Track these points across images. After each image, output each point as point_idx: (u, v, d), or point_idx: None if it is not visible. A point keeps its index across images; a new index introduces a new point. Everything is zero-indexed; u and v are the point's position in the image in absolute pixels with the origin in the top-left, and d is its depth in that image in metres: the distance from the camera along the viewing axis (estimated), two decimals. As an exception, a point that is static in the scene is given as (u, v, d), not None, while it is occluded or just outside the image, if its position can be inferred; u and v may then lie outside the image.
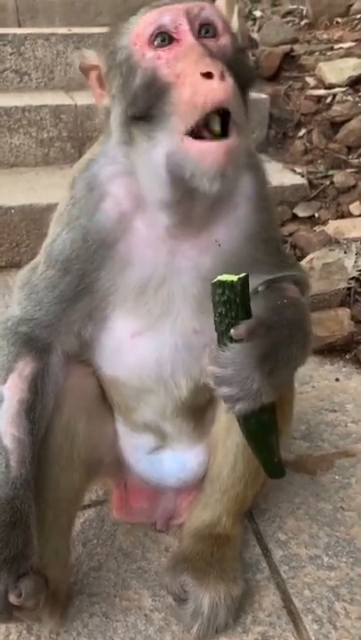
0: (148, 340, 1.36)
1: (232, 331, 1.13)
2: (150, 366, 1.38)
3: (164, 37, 1.10)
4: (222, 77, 1.03)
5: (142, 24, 1.12)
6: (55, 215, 1.37)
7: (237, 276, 1.13)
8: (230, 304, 1.14)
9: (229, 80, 1.04)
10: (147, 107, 1.10)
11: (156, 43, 1.10)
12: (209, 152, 1.06)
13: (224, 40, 1.15)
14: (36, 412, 1.34)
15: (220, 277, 1.14)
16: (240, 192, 1.32)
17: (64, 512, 1.42)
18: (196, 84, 1.03)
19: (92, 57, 1.22)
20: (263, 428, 1.23)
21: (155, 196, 1.21)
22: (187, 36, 1.10)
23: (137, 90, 1.11)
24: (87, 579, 1.55)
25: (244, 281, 1.14)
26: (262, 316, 1.19)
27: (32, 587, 1.19)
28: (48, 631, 1.41)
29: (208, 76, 1.02)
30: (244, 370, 1.11)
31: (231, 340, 1.14)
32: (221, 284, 1.13)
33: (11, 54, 4.14)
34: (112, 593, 1.51)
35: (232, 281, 1.13)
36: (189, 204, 1.21)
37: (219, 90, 1.02)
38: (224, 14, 1.19)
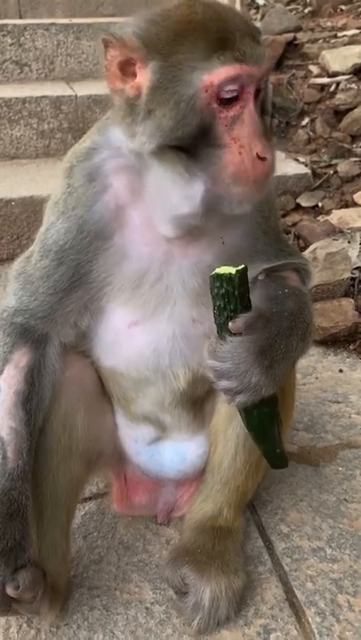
0: (146, 331, 1.34)
1: (230, 324, 1.12)
2: (148, 357, 1.36)
3: (231, 95, 1.10)
4: (272, 162, 1.14)
5: (221, 75, 1.08)
6: (50, 203, 1.34)
7: (236, 269, 1.12)
8: (229, 297, 1.13)
9: (275, 159, 1.16)
10: (192, 145, 1.11)
11: (223, 97, 1.10)
12: (250, 194, 1.16)
13: (265, 90, 1.18)
14: (33, 403, 1.33)
15: (218, 270, 1.13)
16: None
17: (63, 505, 1.41)
18: (249, 160, 1.11)
19: (129, 41, 1.11)
20: (265, 419, 1.22)
21: (173, 212, 1.20)
22: (249, 101, 1.12)
23: (189, 129, 1.10)
24: (87, 572, 1.54)
25: (243, 273, 1.13)
26: (261, 308, 1.18)
27: (30, 579, 1.18)
28: (48, 624, 1.40)
29: (262, 158, 1.11)
30: (243, 364, 1.11)
31: (230, 333, 1.13)
32: (219, 276, 1.12)
33: (11, 45, 4.12)
34: (113, 586, 1.50)
35: (230, 274, 1.12)
36: (205, 220, 1.20)
37: (267, 172, 1.15)
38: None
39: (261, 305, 1.20)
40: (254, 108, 1.12)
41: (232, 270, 1.12)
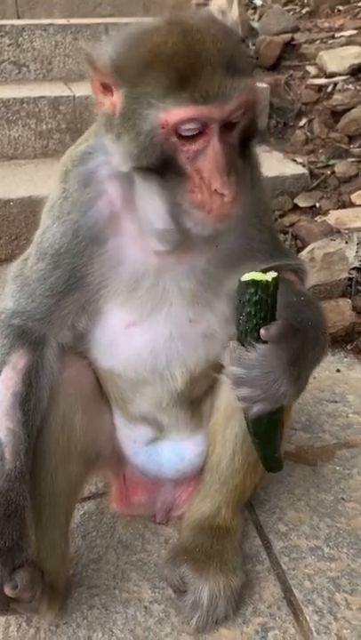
0: (143, 331, 1.35)
1: (262, 331, 1.10)
2: (145, 357, 1.37)
3: (191, 132, 1.08)
4: (234, 199, 1.10)
5: (176, 116, 1.05)
6: (46, 206, 1.35)
7: (271, 276, 1.11)
8: (261, 304, 1.11)
9: (238, 198, 1.11)
10: (156, 170, 1.11)
11: (182, 133, 1.08)
12: (211, 223, 1.15)
13: (246, 119, 1.13)
14: (31, 404, 1.33)
15: (251, 276, 1.11)
16: None
17: (61, 505, 1.42)
18: (208, 194, 1.11)
19: (102, 67, 1.11)
20: (272, 427, 1.21)
21: (152, 226, 1.21)
22: (213, 136, 1.09)
23: (152, 159, 1.10)
24: (86, 571, 1.54)
25: (276, 282, 1.12)
26: (289, 318, 1.17)
27: (28, 579, 1.19)
28: (47, 623, 1.41)
29: (222, 195, 1.09)
30: (273, 373, 1.10)
31: (257, 339, 1.11)
32: (255, 283, 1.10)
33: (8, 45, 4.11)
34: (111, 585, 1.50)
35: (266, 281, 1.10)
36: (185, 235, 1.20)
37: (228, 208, 1.12)
38: (256, 90, 1.14)
39: (283, 313, 1.18)
40: (219, 144, 1.09)
41: (268, 278, 1.11)
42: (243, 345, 1.13)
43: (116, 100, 1.12)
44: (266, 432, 1.22)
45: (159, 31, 1.10)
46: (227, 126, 1.10)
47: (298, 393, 1.15)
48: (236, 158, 1.12)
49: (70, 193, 1.28)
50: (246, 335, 1.12)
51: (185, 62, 1.05)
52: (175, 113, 1.05)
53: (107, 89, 1.14)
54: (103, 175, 1.25)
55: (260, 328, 1.11)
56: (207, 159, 1.09)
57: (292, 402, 1.53)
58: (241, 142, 1.14)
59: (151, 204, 1.17)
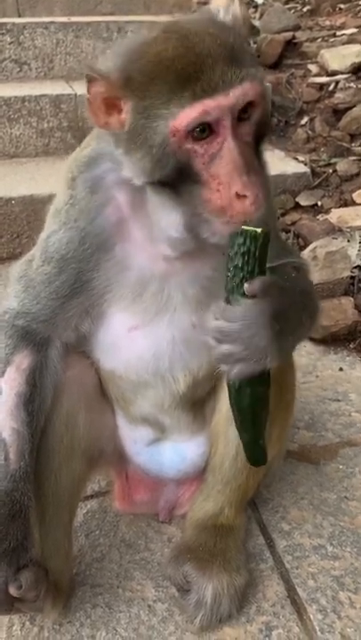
0: (146, 335, 1.34)
1: (246, 285, 1.07)
2: (148, 360, 1.37)
3: (203, 129, 1.05)
4: (256, 199, 1.05)
5: (184, 119, 1.03)
6: (52, 209, 1.34)
7: (261, 229, 1.08)
8: (249, 257, 1.08)
9: (262, 198, 1.07)
10: (172, 183, 1.09)
11: (194, 135, 1.05)
12: (230, 229, 1.10)
13: (257, 112, 1.11)
14: (35, 404, 1.33)
15: (243, 226, 1.09)
16: None
17: (65, 504, 1.42)
18: (228, 199, 1.07)
19: (114, 79, 1.07)
20: (256, 402, 1.17)
21: (164, 234, 1.20)
22: (227, 135, 1.06)
23: (166, 171, 1.08)
24: (90, 570, 1.54)
25: (266, 235, 1.09)
26: (277, 279, 1.15)
27: (32, 578, 1.19)
28: (51, 622, 1.41)
29: (243, 197, 1.05)
30: (254, 325, 1.07)
31: (243, 295, 1.08)
32: (244, 232, 1.08)
33: (10, 43, 4.11)
34: (115, 584, 1.50)
35: (255, 232, 1.08)
36: (197, 242, 1.20)
37: (252, 210, 1.07)
38: (261, 80, 1.10)
39: (272, 275, 1.15)
40: (234, 141, 1.06)
41: (257, 229, 1.08)
42: (229, 303, 1.10)
43: (124, 116, 1.09)
44: (250, 407, 1.17)
45: (157, 41, 1.09)
46: (239, 123, 1.08)
47: (278, 353, 1.10)
48: (253, 157, 1.10)
49: (78, 200, 1.26)
50: (233, 292, 1.10)
51: (184, 63, 1.04)
52: (183, 116, 1.03)
53: (111, 107, 1.10)
54: (111, 182, 1.24)
55: (246, 282, 1.08)
56: (224, 160, 1.06)
57: (292, 397, 1.53)
58: (255, 141, 1.12)
59: (166, 214, 1.16)
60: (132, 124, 1.09)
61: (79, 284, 1.30)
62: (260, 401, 1.17)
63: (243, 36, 1.19)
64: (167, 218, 1.16)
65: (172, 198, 1.12)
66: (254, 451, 1.24)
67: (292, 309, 1.15)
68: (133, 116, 1.08)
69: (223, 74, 1.03)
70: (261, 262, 1.10)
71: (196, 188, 1.09)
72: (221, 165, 1.06)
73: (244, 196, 1.05)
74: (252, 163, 1.09)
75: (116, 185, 1.23)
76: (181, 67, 1.03)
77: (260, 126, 1.12)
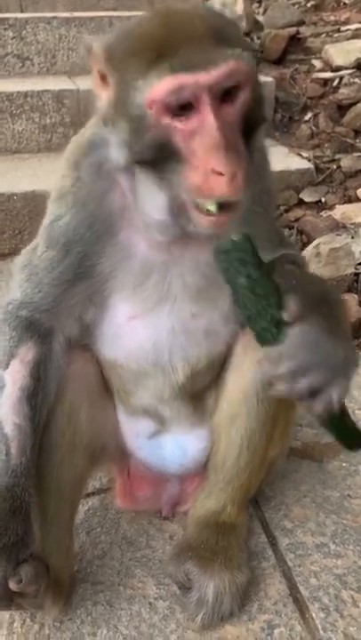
0: (146, 324, 1.34)
1: (284, 314, 1.04)
2: (148, 350, 1.36)
3: (184, 105, 1.04)
4: (234, 178, 1.02)
5: (160, 90, 1.02)
6: (55, 194, 1.32)
7: (236, 236, 1.07)
8: (255, 285, 1.06)
9: (240, 178, 1.04)
10: (153, 160, 1.08)
11: (173, 110, 1.04)
12: (210, 223, 1.11)
13: (244, 95, 1.08)
14: (38, 398, 1.32)
15: (217, 245, 1.08)
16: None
17: (66, 500, 1.41)
18: (207, 175, 1.04)
19: (97, 55, 1.12)
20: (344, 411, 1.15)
21: (150, 217, 1.19)
22: (206, 111, 1.03)
23: (146, 147, 1.07)
24: (91, 567, 1.54)
25: (248, 239, 1.07)
26: (297, 284, 1.13)
27: (32, 573, 1.18)
28: (52, 619, 1.40)
29: (220, 173, 1.02)
30: (317, 345, 1.05)
31: (280, 324, 1.04)
32: (223, 247, 1.07)
33: (12, 39, 4.09)
34: (116, 581, 1.50)
35: (232, 241, 1.06)
36: (185, 228, 1.18)
37: (228, 189, 1.04)
38: (250, 63, 1.07)
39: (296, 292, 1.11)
40: (215, 119, 1.03)
41: (233, 237, 1.07)
42: (263, 340, 1.07)
43: (110, 90, 1.12)
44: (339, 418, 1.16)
45: (143, 18, 1.13)
46: (224, 104, 1.06)
47: (351, 354, 1.13)
48: (237, 138, 1.07)
49: (85, 183, 1.26)
50: (267, 330, 1.05)
51: (165, 39, 1.03)
52: (158, 88, 1.02)
53: (104, 80, 1.14)
54: (113, 167, 1.23)
55: (266, 304, 1.05)
56: (203, 137, 1.04)
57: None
58: (246, 131, 1.10)
59: (150, 196, 1.15)
60: (114, 98, 1.11)
61: (83, 268, 1.28)
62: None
63: (234, 22, 1.19)
64: (152, 201, 1.15)
65: (156, 181, 1.11)
66: (351, 438, 1.28)
67: (323, 306, 1.12)
68: (115, 89, 1.10)
69: (205, 52, 1.02)
70: (267, 277, 1.07)
71: (178, 167, 1.07)
72: (200, 141, 1.04)
73: (221, 174, 1.03)
74: (234, 143, 1.06)
75: (117, 170, 1.22)
76: (162, 42, 1.04)
77: (249, 112, 1.09)
